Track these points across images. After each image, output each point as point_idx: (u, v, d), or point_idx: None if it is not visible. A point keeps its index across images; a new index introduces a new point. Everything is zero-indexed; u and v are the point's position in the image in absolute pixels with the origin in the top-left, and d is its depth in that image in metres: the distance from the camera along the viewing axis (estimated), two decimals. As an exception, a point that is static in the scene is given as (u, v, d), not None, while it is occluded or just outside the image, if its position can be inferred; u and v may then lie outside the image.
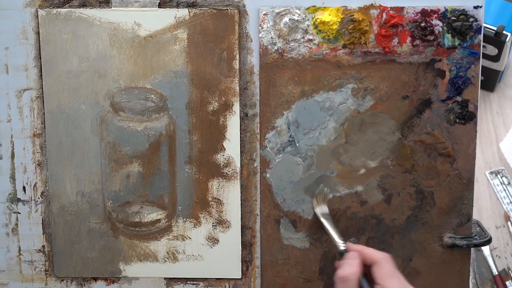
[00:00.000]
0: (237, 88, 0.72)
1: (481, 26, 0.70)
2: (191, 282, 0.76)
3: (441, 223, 0.73)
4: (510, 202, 1.05)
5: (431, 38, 0.70)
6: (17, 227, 0.75)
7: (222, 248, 0.74)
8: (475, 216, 0.81)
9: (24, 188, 0.75)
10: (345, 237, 0.74)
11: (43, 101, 0.73)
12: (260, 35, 0.71)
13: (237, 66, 0.72)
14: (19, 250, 0.76)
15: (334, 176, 0.73)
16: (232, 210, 0.74)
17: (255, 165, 0.73)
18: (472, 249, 0.75)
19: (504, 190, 1.06)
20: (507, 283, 1.00)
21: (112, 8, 0.71)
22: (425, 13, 0.70)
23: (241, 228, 0.74)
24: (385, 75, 0.71)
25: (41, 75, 0.72)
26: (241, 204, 0.74)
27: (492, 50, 1.04)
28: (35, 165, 0.74)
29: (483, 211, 1.05)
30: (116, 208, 0.74)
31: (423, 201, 0.73)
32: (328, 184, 0.73)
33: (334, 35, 0.71)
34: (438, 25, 0.70)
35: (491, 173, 1.07)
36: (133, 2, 0.71)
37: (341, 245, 0.67)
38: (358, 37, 0.70)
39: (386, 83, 0.71)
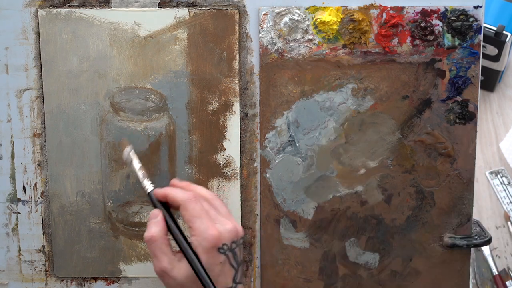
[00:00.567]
0: (237, 88, 0.72)
1: (481, 26, 0.70)
2: (191, 282, 0.76)
3: (441, 223, 0.73)
4: (510, 202, 1.05)
5: (431, 38, 0.70)
6: (17, 227, 0.75)
7: (222, 248, 0.74)
8: (475, 216, 0.81)
9: (24, 188, 0.75)
10: (345, 237, 0.74)
11: (43, 101, 0.73)
12: (260, 35, 0.71)
13: (237, 66, 0.72)
14: (19, 250, 0.76)
15: (334, 176, 0.73)
16: (232, 210, 0.74)
17: (255, 165, 0.73)
18: (472, 249, 0.75)
19: (504, 190, 1.06)
20: (507, 283, 1.00)
21: (112, 8, 0.71)
22: (425, 13, 0.70)
23: (241, 228, 0.74)
24: (385, 75, 0.71)
25: (41, 75, 0.72)
26: (241, 204, 0.74)
27: (492, 50, 1.04)
28: (35, 165, 0.74)
29: (483, 211, 1.05)
30: (116, 208, 0.74)
31: (423, 201, 0.73)
32: (328, 184, 0.73)
33: (334, 35, 0.71)
34: (438, 25, 0.70)
35: (491, 173, 1.07)
36: (133, 2, 0.71)
37: (147, 186, 0.64)
38: (358, 37, 0.70)
39: (386, 83, 0.71)
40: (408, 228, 0.73)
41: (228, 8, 0.71)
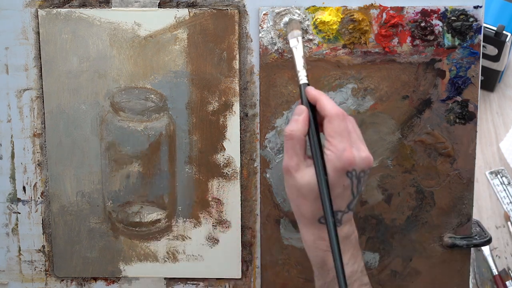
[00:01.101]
0: (237, 88, 0.72)
1: (481, 26, 0.70)
2: (191, 282, 0.76)
3: (441, 223, 0.73)
4: (510, 202, 1.05)
5: (431, 38, 0.70)
6: (17, 227, 0.75)
7: (222, 248, 0.74)
8: (475, 216, 0.81)
9: (24, 188, 0.75)
10: (345, 237, 0.74)
11: (43, 101, 0.73)
12: (260, 35, 0.71)
13: (237, 66, 0.72)
14: (19, 250, 0.76)
15: (334, 176, 0.73)
16: (232, 210, 0.74)
17: (255, 165, 0.73)
18: (472, 249, 0.75)
19: (504, 190, 1.06)
20: (507, 283, 1.00)
21: (112, 8, 0.71)
22: (425, 13, 0.70)
23: (241, 228, 0.74)
24: (385, 75, 0.71)
25: (41, 75, 0.72)
26: (241, 204, 0.74)
27: (492, 50, 1.04)
28: (35, 165, 0.74)
29: (483, 211, 1.05)
30: (116, 208, 0.74)
31: (423, 201, 0.73)
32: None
33: (334, 35, 0.71)
34: (438, 25, 0.70)
35: (491, 173, 1.07)
36: (133, 2, 0.71)
37: (302, 77, 0.62)
38: (358, 37, 0.70)
39: (386, 83, 0.71)
40: (408, 228, 0.73)
41: (228, 8, 0.71)
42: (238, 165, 0.73)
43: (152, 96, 0.72)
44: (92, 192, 0.74)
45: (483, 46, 0.99)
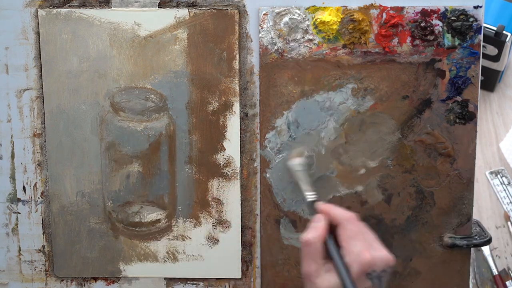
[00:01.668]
0: (237, 88, 0.72)
1: (481, 26, 0.70)
2: (191, 282, 0.76)
3: (441, 223, 0.73)
4: (510, 202, 1.05)
5: (431, 38, 0.70)
6: (17, 227, 0.75)
7: (222, 248, 0.74)
8: (475, 216, 0.81)
9: (24, 188, 0.75)
10: (345, 237, 0.74)
11: (43, 101, 0.73)
12: (260, 35, 0.71)
13: (237, 66, 0.72)
14: (19, 250, 0.76)
15: (334, 176, 0.73)
16: (232, 210, 0.74)
17: (255, 165, 0.73)
18: (472, 249, 0.75)
19: (504, 190, 1.06)
20: (507, 283, 1.00)
21: (112, 8, 0.71)
22: (425, 13, 0.70)
23: (241, 228, 0.74)
24: (385, 75, 0.71)
25: (41, 75, 0.72)
26: (241, 204, 0.74)
27: (492, 50, 1.04)
28: (35, 165, 0.74)
29: (483, 211, 1.05)
30: (116, 208, 0.74)
31: (423, 201, 0.73)
32: (328, 184, 0.73)
33: (334, 35, 0.71)
34: (438, 25, 0.70)
35: (491, 173, 1.07)
36: (133, 2, 0.71)
37: (309, 196, 0.65)
38: (358, 37, 0.70)
39: (386, 83, 0.71)
40: (408, 228, 0.73)
41: (228, 8, 0.71)
42: (238, 165, 0.73)
43: (152, 96, 0.72)
44: (92, 192, 0.74)
45: (483, 46, 0.99)
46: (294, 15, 0.70)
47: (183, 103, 0.72)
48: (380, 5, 0.70)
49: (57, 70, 0.72)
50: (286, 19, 0.70)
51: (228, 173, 0.73)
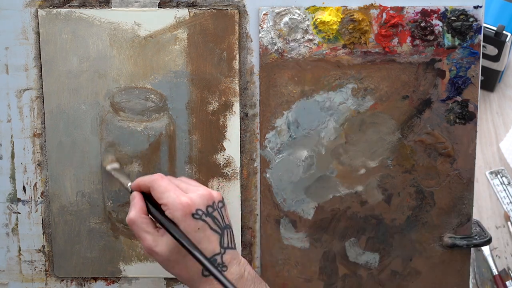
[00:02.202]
0: (237, 88, 0.72)
1: (481, 26, 0.70)
2: (191, 282, 0.76)
3: (441, 223, 0.73)
4: (510, 202, 1.05)
5: (431, 38, 0.70)
6: (17, 227, 0.75)
7: (222, 248, 0.74)
8: (475, 216, 0.81)
9: (24, 188, 0.75)
10: (345, 237, 0.74)
11: (43, 101, 0.73)
12: (260, 35, 0.71)
13: (237, 66, 0.72)
14: (19, 250, 0.76)
15: (334, 176, 0.73)
16: (232, 210, 0.74)
17: (255, 165, 0.73)
18: (472, 249, 0.75)
19: (504, 190, 1.06)
20: (507, 283, 1.00)
21: (112, 8, 0.71)
22: (425, 13, 0.70)
23: (241, 228, 0.74)
24: (385, 75, 0.71)
25: (41, 75, 0.72)
26: (241, 204, 0.74)
27: (492, 50, 1.04)
28: (35, 165, 0.74)
29: (483, 211, 1.05)
30: (116, 208, 0.74)
31: (423, 201, 0.73)
32: (328, 184, 0.73)
33: (334, 35, 0.71)
34: (438, 25, 0.70)
35: (491, 173, 1.07)
36: (133, 2, 0.71)
37: (128, 185, 0.66)
38: (358, 37, 0.70)
39: (386, 83, 0.71)
40: (408, 228, 0.73)
41: (228, 8, 0.71)
42: (238, 165, 0.73)
43: (152, 96, 0.72)
44: (92, 192, 0.74)
45: (483, 46, 0.99)
46: (294, 15, 0.70)
47: (183, 103, 0.72)
48: (380, 5, 0.70)
49: (57, 70, 0.72)
50: (286, 19, 0.70)
51: (228, 173, 0.73)
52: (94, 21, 0.71)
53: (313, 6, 0.70)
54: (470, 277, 0.76)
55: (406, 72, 0.71)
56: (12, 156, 0.74)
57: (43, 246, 0.75)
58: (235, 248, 0.63)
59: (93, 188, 0.74)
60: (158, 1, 0.71)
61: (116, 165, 0.72)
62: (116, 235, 0.74)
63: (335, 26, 0.70)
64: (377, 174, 0.73)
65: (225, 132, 0.73)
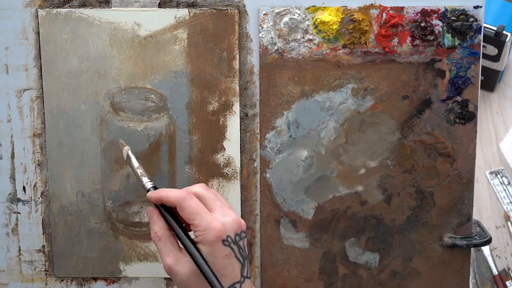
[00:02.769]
0: (237, 88, 0.72)
1: (481, 26, 0.70)
2: (191, 282, 0.76)
3: (441, 223, 0.73)
4: (510, 202, 1.05)
5: (431, 38, 0.70)
6: (17, 227, 0.75)
7: (222, 248, 0.74)
8: (475, 216, 0.81)
9: (24, 188, 0.75)
10: (345, 237, 0.74)
11: (43, 101, 0.73)
12: (260, 35, 0.71)
13: (237, 66, 0.72)
14: (19, 250, 0.76)
15: (334, 176, 0.73)
16: (232, 210, 0.74)
17: (255, 165, 0.73)
18: (472, 249, 0.75)
19: (504, 190, 1.06)
20: (507, 283, 1.00)
21: (112, 8, 0.71)
22: (425, 13, 0.70)
23: (241, 228, 0.74)
24: (385, 75, 0.71)
25: (41, 75, 0.72)
26: (241, 204, 0.74)
27: (492, 50, 1.04)
28: (35, 165, 0.74)
29: (483, 211, 1.05)
30: (116, 208, 0.74)
31: (423, 201, 0.73)
32: (328, 184, 0.73)
33: (334, 35, 0.71)
34: (438, 25, 0.70)
35: (491, 173, 1.07)
36: (133, 2, 0.71)
37: (148, 183, 0.64)
38: (358, 37, 0.70)
39: (386, 83, 0.71)
40: (408, 228, 0.73)
41: (228, 8, 0.71)
42: (238, 165, 0.73)
43: (152, 96, 0.72)
44: (92, 192, 0.74)
45: (483, 46, 0.99)
46: (294, 15, 0.70)
47: (183, 103, 0.72)
48: (380, 5, 0.70)
49: (57, 70, 0.72)
50: (286, 19, 0.70)
51: (228, 173, 0.73)
52: (94, 21, 0.71)
53: (313, 6, 0.70)
54: (470, 277, 0.76)
55: (406, 72, 0.71)
56: (12, 156, 0.74)
57: (43, 246, 0.75)
58: (251, 278, 0.63)
59: (93, 188, 0.74)
60: (158, 1, 0.71)
61: (129, 150, 0.69)
62: (116, 235, 0.74)
63: (335, 26, 0.70)
64: (377, 174, 0.73)
65: (225, 132, 0.73)
